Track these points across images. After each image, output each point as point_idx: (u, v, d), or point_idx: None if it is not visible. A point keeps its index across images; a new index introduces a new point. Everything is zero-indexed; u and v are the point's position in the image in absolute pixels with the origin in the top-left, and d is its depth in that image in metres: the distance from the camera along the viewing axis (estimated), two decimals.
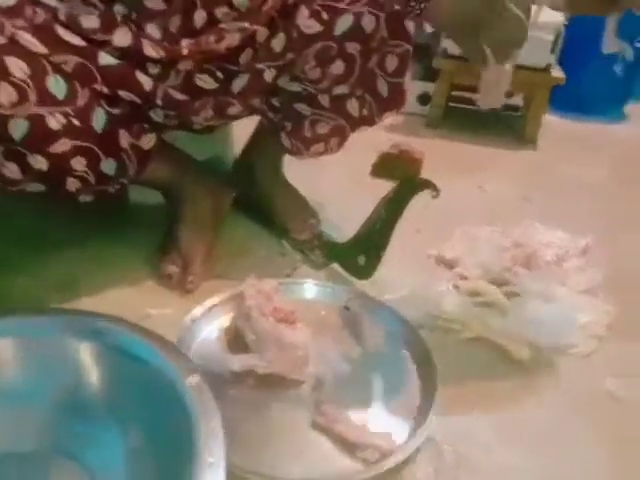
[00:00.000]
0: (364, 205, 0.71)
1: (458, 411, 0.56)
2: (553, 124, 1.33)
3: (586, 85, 1.37)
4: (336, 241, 0.78)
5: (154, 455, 0.45)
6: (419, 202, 0.67)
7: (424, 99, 1.29)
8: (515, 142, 1.23)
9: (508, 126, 1.29)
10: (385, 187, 0.70)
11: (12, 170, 0.55)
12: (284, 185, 0.86)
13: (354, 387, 0.58)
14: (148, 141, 0.64)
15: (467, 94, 1.29)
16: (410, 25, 0.67)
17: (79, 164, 0.58)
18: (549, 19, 1.06)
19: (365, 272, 0.71)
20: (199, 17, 0.62)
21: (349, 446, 0.51)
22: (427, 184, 0.64)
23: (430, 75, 1.26)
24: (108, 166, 0.60)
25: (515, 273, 0.71)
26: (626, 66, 1.36)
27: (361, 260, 0.71)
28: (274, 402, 0.55)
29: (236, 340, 0.60)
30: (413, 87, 1.20)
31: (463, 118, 1.29)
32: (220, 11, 0.62)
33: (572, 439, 0.54)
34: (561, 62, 1.23)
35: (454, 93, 1.30)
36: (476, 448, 0.53)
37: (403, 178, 0.72)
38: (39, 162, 0.55)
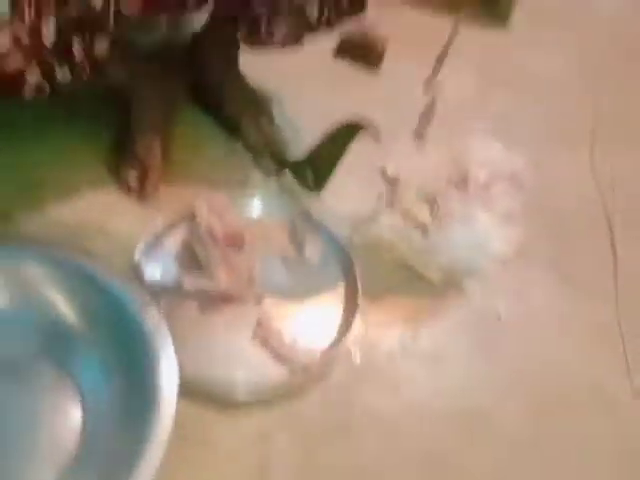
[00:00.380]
0: (323, 96, 0.72)
1: (372, 323, 0.68)
2: None
3: None
4: (287, 146, 0.82)
5: (123, 370, 0.57)
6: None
7: None
8: (487, 18, 1.18)
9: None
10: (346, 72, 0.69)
11: None
12: (237, 77, 0.85)
13: (291, 303, 0.69)
14: (101, 46, 0.63)
15: None
16: None
17: (34, 76, 0.61)
18: None
19: (314, 187, 0.77)
20: None
21: (280, 358, 0.63)
22: (366, 127, 0.67)
23: None
24: (63, 74, 0.62)
25: (446, 195, 0.78)
26: None
27: (309, 176, 0.77)
28: (221, 317, 0.66)
29: (190, 257, 0.69)
30: None
31: None
32: None
33: (462, 356, 0.67)
34: None
35: None
36: (382, 357, 0.66)
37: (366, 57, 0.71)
38: None
